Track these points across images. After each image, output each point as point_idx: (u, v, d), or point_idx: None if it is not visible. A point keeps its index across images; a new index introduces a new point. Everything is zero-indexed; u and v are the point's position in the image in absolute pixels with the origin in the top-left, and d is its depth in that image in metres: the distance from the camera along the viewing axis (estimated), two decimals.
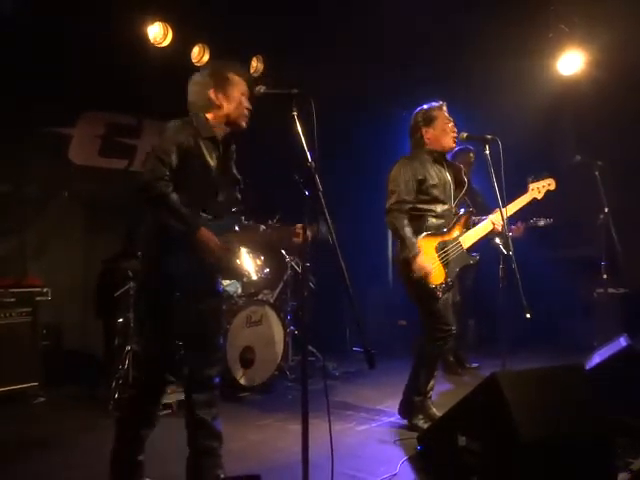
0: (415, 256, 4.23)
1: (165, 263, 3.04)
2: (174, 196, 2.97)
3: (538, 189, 4.58)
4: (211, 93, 3.21)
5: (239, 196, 3.47)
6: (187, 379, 3.23)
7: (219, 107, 3.23)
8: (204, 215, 3.13)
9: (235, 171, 3.44)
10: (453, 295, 4.71)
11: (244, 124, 3.31)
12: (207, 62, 3.22)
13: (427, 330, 4.39)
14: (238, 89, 3.25)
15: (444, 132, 4.45)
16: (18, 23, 5.26)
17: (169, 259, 3.03)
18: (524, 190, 4.60)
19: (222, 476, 3.22)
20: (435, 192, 4.41)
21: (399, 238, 4.33)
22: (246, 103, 3.27)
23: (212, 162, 3.18)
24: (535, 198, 4.58)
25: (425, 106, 4.53)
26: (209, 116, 3.23)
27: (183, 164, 3.04)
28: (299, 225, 3.17)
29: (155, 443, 4.09)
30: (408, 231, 4.30)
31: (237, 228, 3.33)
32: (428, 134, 4.46)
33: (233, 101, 3.24)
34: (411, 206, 4.36)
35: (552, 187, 4.60)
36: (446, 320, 4.37)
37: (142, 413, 3.23)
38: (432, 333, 4.36)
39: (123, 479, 3.21)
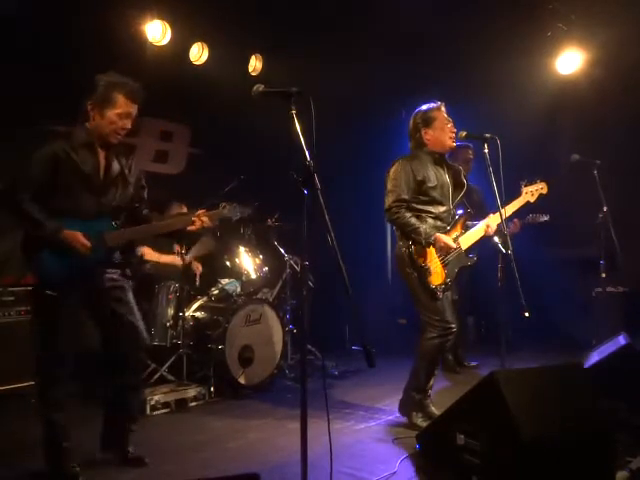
0: (432, 238, 4.28)
1: (34, 265, 3.40)
2: (32, 206, 3.30)
3: (531, 192, 4.66)
4: (88, 106, 3.47)
5: (137, 194, 3.74)
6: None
7: (93, 120, 3.48)
8: (80, 216, 3.42)
9: (127, 173, 3.65)
10: (451, 294, 4.72)
11: (113, 141, 3.52)
12: (105, 79, 3.49)
13: (428, 328, 4.40)
14: (115, 110, 3.44)
15: (443, 132, 4.44)
16: (18, 23, 5.26)
17: (36, 261, 3.39)
18: (518, 193, 4.65)
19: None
20: (434, 193, 4.42)
21: (408, 230, 4.30)
22: (121, 123, 3.47)
23: (86, 167, 3.45)
24: (528, 201, 4.66)
25: (424, 107, 4.52)
26: (88, 125, 3.50)
27: (54, 174, 3.36)
28: (200, 212, 3.72)
29: (153, 441, 4.12)
30: (416, 220, 4.32)
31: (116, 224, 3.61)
32: (428, 135, 4.46)
33: (105, 119, 3.45)
34: (410, 206, 4.37)
35: (544, 191, 4.68)
36: (447, 318, 4.37)
37: (51, 399, 3.47)
38: (433, 331, 4.37)
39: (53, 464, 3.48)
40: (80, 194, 3.44)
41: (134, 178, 3.70)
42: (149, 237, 5.46)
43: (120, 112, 3.45)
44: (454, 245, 4.37)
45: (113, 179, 3.57)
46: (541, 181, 4.68)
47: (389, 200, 4.39)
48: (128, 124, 3.51)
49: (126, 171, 3.64)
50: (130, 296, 3.72)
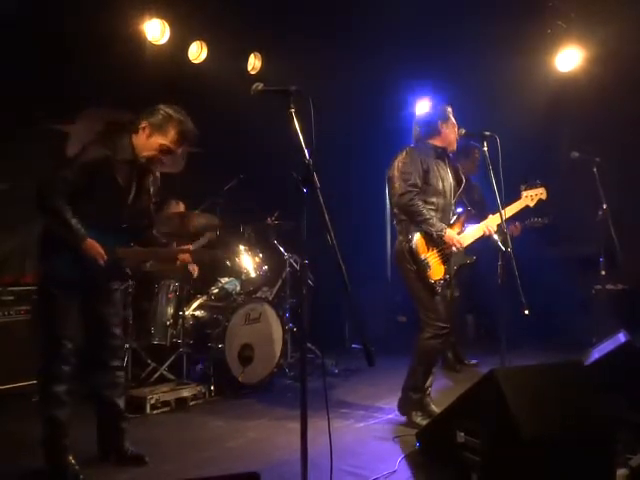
0: (443, 231, 4.32)
1: (48, 263, 3.46)
2: (66, 208, 3.34)
3: (531, 197, 4.68)
4: (143, 124, 3.54)
5: (149, 217, 3.84)
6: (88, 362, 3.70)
7: (140, 136, 3.55)
8: (102, 226, 3.48)
9: (150, 194, 3.76)
10: (451, 291, 4.72)
11: (145, 164, 3.60)
12: (168, 111, 3.57)
13: (425, 327, 4.40)
14: (160, 142, 3.53)
15: (454, 133, 4.53)
16: (18, 22, 5.25)
17: (52, 260, 3.45)
18: (518, 196, 4.65)
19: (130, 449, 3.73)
20: (437, 185, 4.45)
21: (420, 219, 4.32)
22: (160, 154, 3.57)
23: (121, 181, 3.53)
24: (527, 205, 4.67)
25: (440, 103, 4.66)
26: (134, 138, 3.56)
27: (91, 179, 3.41)
28: (184, 251, 3.92)
29: (153, 440, 4.12)
30: (428, 212, 4.35)
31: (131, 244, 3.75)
32: (443, 128, 4.53)
33: (149, 144, 3.55)
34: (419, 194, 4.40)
35: (544, 196, 4.70)
36: (443, 318, 4.38)
37: (53, 395, 3.48)
38: (429, 330, 4.38)
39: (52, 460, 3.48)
40: (108, 205, 3.52)
41: (155, 194, 3.81)
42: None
43: (164, 144, 3.54)
44: (463, 244, 4.40)
45: (141, 196, 3.68)
46: (541, 185, 4.68)
47: (402, 185, 4.39)
48: (165, 159, 3.61)
49: (152, 189, 3.75)
50: (118, 299, 3.79)
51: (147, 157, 3.56)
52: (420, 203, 4.35)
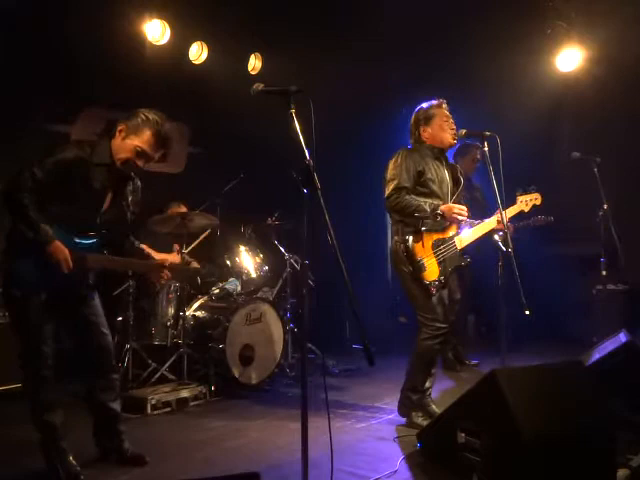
0: (438, 208, 4.26)
1: (14, 264, 3.32)
2: (32, 207, 3.21)
3: (526, 202, 4.63)
4: (120, 126, 3.49)
5: (124, 225, 3.71)
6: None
7: (116, 139, 3.49)
8: (73, 229, 3.39)
9: (128, 202, 3.66)
10: (453, 293, 4.69)
11: (122, 168, 3.51)
12: (146, 113, 3.52)
13: (422, 328, 4.38)
14: (136, 143, 3.46)
15: (442, 130, 4.44)
16: (18, 22, 5.26)
17: (18, 261, 3.31)
18: (513, 202, 4.61)
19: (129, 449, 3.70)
20: (433, 187, 4.40)
21: (411, 210, 4.25)
22: (135, 158, 3.48)
23: (97, 185, 3.44)
24: (522, 210, 4.65)
25: (424, 105, 4.52)
26: (112, 142, 3.49)
27: (63, 180, 3.31)
28: (160, 268, 3.74)
29: (154, 440, 4.12)
30: (416, 200, 4.28)
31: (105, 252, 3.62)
32: (426, 133, 4.46)
33: (124, 146, 3.47)
34: (409, 195, 4.34)
35: (538, 202, 4.66)
36: (439, 318, 4.34)
37: (41, 401, 3.44)
38: (426, 331, 4.35)
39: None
40: (81, 209, 3.42)
41: (134, 203, 3.72)
42: (148, 237, 5.50)
43: (139, 146, 3.46)
44: (466, 213, 4.33)
45: (118, 203, 3.59)
46: (535, 192, 4.66)
47: (389, 188, 4.35)
48: (140, 163, 3.51)
49: (130, 198, 3.66)
50: (96, 301, 3.66)
51: (122, 159, 3.46)
52: (407, 197, 4.27)
